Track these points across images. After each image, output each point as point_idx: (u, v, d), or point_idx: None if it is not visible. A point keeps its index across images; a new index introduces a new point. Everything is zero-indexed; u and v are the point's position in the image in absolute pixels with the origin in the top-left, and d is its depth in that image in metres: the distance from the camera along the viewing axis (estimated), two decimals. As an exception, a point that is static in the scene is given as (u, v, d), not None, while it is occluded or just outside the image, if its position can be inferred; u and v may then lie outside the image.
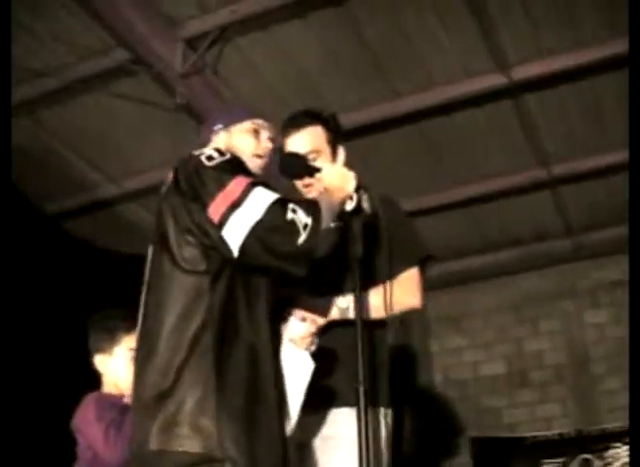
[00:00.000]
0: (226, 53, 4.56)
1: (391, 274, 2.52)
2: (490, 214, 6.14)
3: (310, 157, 2.62)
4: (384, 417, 2.58)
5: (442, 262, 6.78)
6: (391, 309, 2.48)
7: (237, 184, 2.09)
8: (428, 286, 7.45)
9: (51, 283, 4.44)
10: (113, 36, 4.39)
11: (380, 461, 2.50)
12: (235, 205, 2.05)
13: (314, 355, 2.34)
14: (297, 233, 2.04)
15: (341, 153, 2.74)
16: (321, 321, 2.41)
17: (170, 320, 2.08)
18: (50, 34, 4.38)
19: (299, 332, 2.27)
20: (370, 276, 2.52)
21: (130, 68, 4.58)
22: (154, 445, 1.99)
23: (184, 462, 1.96)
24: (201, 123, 4.79)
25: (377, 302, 2.52)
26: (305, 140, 2.65)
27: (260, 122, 2.49)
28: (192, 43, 4.45)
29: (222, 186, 2.08)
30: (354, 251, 2.31)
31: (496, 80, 4.59)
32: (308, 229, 2.06)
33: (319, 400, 2.47)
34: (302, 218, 2.06)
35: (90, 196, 5.48)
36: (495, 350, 6.92)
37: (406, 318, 7.69)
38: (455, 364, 7.09)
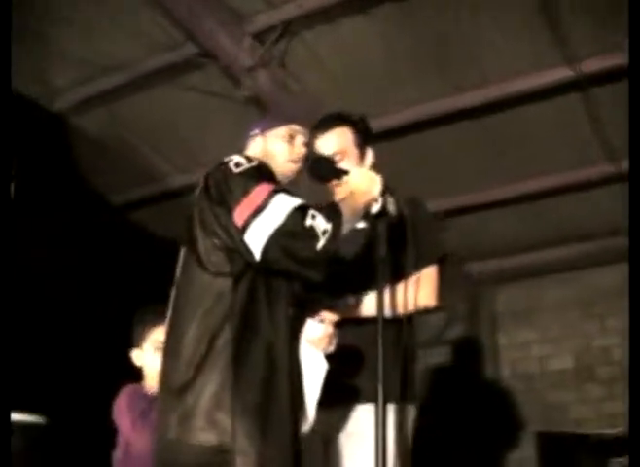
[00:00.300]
0: (292, 46, 4.61)
1: (410, 273, 2.59)
2: (560, 208, 6.07)
3: (336, 158, 2.73)
4: (412, 412, 2.64)
5: (511, 255, 6.77)
6: (408, 308, 2.56)
7: (261, 190, 2.18)
8: (497, 279, 7.36)
9: (117, 275, 4.60)
10: (182, 31, 4.51)
11: (407, 457, 2.56)
12: (258, 211, 2.15)
13: (337, 353, 2.41)
14: (316, 239, 2.13)
15: (369, 155, 2.83)
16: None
17: (194, 317, 2.20)
18: (122, 30, 4.53)
19: (316, 333, 2.34)
20: (392, 275, 2.59)
21: (199, 62, 4.68)
22: (172, 434, 2.11)
23: (198, 454, 2.08)
24: (268, 115, 4.96)
25: (397, 300, 2.59)
26: (332, 141, 2.77)
27: (295, 128, 2.57)
28: (259, 37, 4.52)
29: (246, 192, 2.18)
30: (379, 253, 2.38)
31: (564, 73, 4.53)
32: (327, 234, 2.15)
33: (344, 396, 2.57)
34: (321, 224, 2.15)
35: (159, 186, 5.62)
36: (563, 345, 6.85)
37: (474, 311, 7.64)
38: (523, 358, 7.05)
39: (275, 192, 2.19)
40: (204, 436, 2.07)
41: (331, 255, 2.17)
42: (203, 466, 2.07)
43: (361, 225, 2.67)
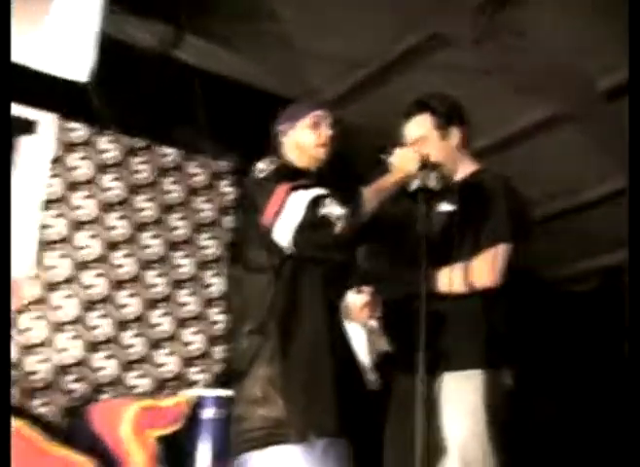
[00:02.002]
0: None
1: (473, 251, 2.66)
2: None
3: (419, 143, 2.83)
4: (502, 379, 2.67)
5: None
6: (471, 286, 2.63)
7: (280, 192, 2.46)
8: None
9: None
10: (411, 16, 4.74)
11: (492, 425, 2.60)
12: (279, 211, 2.43)
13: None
14: (331, 226, 2.37)
15: (455, 134, 2.86)
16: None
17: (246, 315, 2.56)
18: (358, 22, 4.88)
19: (354, 302, 2.53)
20: (457, 250, 2.69)
21: (432, 44, 4.86)
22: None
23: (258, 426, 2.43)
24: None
25: (459, 276, 2.65)
26: (412, 130, 2.89)
27: (319, 113, 2.78)
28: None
29: (269, 196, 2.46)
30: (420, 228, 2.46)
31: None
32: (343, 219, 2.37)
33: (428, 363, 2.66)
34: (334, 211, 2.39)
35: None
36: None
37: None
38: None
39: (292, 189, 2.45)
40: (263, 411, 2.41)
41: (349, 236, 2.39)
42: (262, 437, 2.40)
43: (447, 207, 2.79)
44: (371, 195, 2.50)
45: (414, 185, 2.55)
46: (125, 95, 4.35)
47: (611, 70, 4.82)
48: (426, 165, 2.57)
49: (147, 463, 3.46)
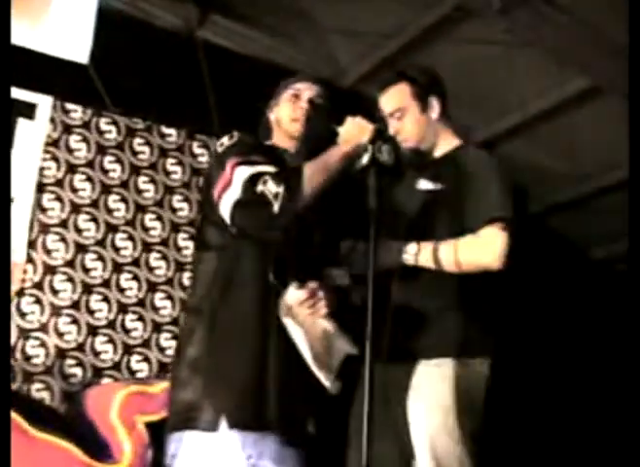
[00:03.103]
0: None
1: (465, 230, 2.49)
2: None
3: (396, 115, 2.66)
4: (473, 367, 2.50)
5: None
6: (461, 266, 2.44)
7: (229, 166, 2.35)
8: None
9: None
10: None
11: (464, 414, 2.45)
12: (226, 186, 2.32)
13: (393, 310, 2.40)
14: (268, 204, 2.23)
15: (435, 105, 2.69)
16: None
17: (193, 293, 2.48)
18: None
19: (292, 299, 2.32)
20: (450, 228, 2.53)
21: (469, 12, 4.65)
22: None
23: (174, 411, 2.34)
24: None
25: (454, 256, 2.46)
26: (390, 100, 2.73)
27: (301, 86, 2.63)
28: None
29: (221, 170, 2.37)
30: (369, 204, 2.26)
31: None
32: (280, 197, 2.22)
33: (402, 354, 2.52)
34: (271, 188, 2.25)
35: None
36: None
37: None
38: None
39: (238, 164, 2.33)
40: (182, 394, 2.31)
41: (287, 215, 2.25)
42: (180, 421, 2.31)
43: (427, 185, 2.64)
44: (313, 171, 2.33)
45: (365, 159, 2.36)
46: (137, 76, 4.32)
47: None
48: (379, 137, 2.38)
49: (135, 449, 3.41)
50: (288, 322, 2.33)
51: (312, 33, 5.05)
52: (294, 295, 2.33)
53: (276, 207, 2.23)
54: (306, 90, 2.63)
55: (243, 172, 2.31)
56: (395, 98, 2.72)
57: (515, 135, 5.42)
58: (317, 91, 2.65)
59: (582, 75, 4.77)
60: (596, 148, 5.36)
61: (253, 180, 2.28)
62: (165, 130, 4.38)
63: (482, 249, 2.47)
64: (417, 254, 2.48)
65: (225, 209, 2.33)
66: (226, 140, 2.47)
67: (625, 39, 4.53)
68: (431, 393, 2.45)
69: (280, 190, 2.24)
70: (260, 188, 2.26)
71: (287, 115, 2.61)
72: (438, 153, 2.73)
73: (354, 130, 2.40)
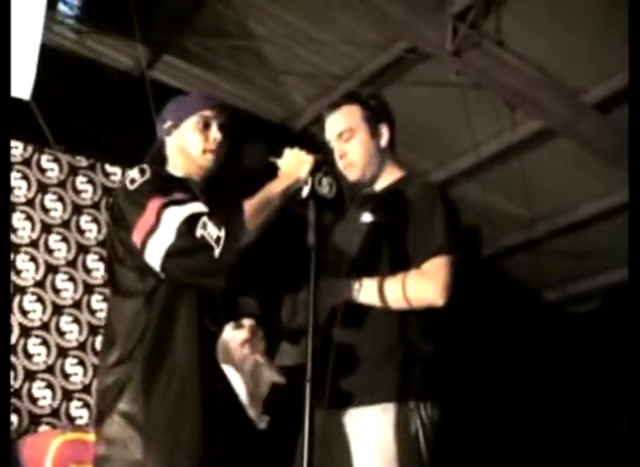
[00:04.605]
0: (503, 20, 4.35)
1: (409, 264, 2.38)
2: None
3: (345, 136, 2.56)
4: (418, 411, 2.39)
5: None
6: (408, 301, 2.33)
7: (152, 208, 2.15)
8: None
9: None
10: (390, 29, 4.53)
11: (409, 461, 2.34)
12: (151, 231, 2.13)
13: (330, 353, 2.29)
14: (209, 249, 2.07)
15: (385, 132, 2.60)
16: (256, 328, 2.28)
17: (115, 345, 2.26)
18: (333, 39, 4.70)
19: (231, 339, 2.21)
20: (394, 264, 2.40)
21: (413, 57, 4.65)
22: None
23: None
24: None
25: (397, 292, 2.36)
26: (339, 120, 2.59)
27: (209, 113, 2.41)
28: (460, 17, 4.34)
29: (140, 211, 2.16)
30: (308, 240, 2.15)
31: None
32: (222, 241, 2.07)
33: (344, 399, 2.40)
34: (212, 232, 2.09)
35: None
36: None
37: None
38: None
39: (165, 206, 2.15)
40: (122, 453, 2.13)
41: (230, 260, 2.11)
42: None
43: (369, 218, 2.54)
44: (254, 208, 2.17)
45: (305, 192, 2.25)
46: (82, 113, 4.24)
47: (601, 81, 4.59)
48: (318, 169, 2.27)
49: (70, 503, 3.25)
50: (226, 368, 2.21)
51: (266, 75, 5.02)
52: (233, 335, 2.23)
53: (218, 252, 2.08)
54: (215, 118, 2.41)
55: (174, 215, 2.13)
56: (345, 118, 2.60)
57: (468, 177, 5.41)
58: (224, 117, 2.45)
59: (534, 117, 4.78)
60: (549, 190, 5.37)
61: (189, 224, 2.12)
62: (109, 169, 4.29)
63: (425, 283, 2.35)
64: (361, 291, 2.40)
65: (153, 256, 2.14)
66: (137, 175, 2.25)
67: (576, 82, 4.62)
68: (374, 440, 2.31)
69: (222, 234, 2.09)
70: (199, 232, 2.09)
71: (197, 145, 2.39)
72: (381, 184, 2.62)
73: (293, 163, 2.29)
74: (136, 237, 2.15)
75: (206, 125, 2.40)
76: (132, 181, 2.23)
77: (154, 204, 2.15)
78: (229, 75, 5.06)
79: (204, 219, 2.11)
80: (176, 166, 2.44)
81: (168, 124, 2.44)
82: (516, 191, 5.35)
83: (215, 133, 2.39)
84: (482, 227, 5.36)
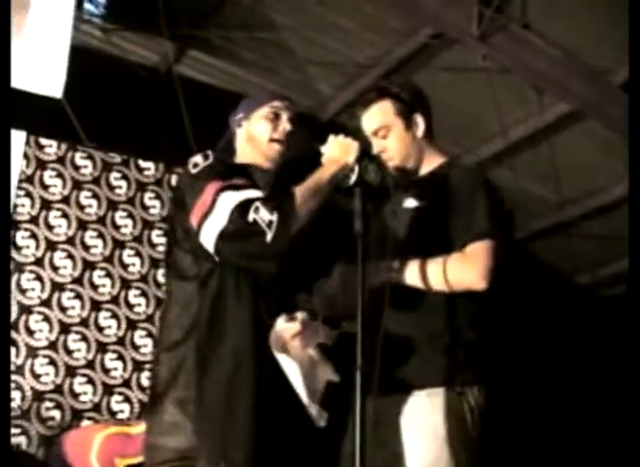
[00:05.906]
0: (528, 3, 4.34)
1: (452, 248, 2.36)
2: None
3: (380, 133, 2.56)
4: (466, 396, 2.40)
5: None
6: (449, 284, 2.32)
7: (209, 191, 2.16)
8: None
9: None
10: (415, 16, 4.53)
11: (459, 445, 2.35)
12: (207, 213, 2.14)
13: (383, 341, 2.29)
14: (262, 234, 2.07)
15: (420, 122, 2.60)
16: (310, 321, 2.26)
17: (172, 327, 2.28)
18: (356, 28, 4.71)
19: (283, 332, 2.19)
20: (437, 248, 2.39)
21: (439, 43, 4.65)
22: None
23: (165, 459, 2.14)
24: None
25: (438, 275, 2.36)
26: (373, 118, 2.58)
27: (279, 104, 2.45)
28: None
29: (199, 193, 2.17)
30: (356, 227, 2.16)
31: None
32: (274, 226, 2.08)
33: (393, 385, 2.41)
34: (264, 216, 2.09)
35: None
36: None
37: None
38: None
39: (222, 189, 2.16)
40: (170, 439, 2.13)
41: (283, 245, 2.10)
42: None
43: (413, 203, 2.55)
44: (305, 195, 2.19)
45: (352, 179, 2.26)
46: (113, 110, 4.27)
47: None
48: (364, 156, 2.29)
49: (115, 493, 3.28)
50: (281, 357, 2.20)
51: (291, 65, 5.03)
52: (286, 327, 2.21)
53: (270, 236, 2.09)
54: (285, 110, 2.47)
55: (229, 199, 2.15)
56: (378, 116, 2.59)
57: (498, 162, 5.39)
58: (294, 111, 2.50)
59: (562, 100, 4.76)
60: (578, 173, 5.35)
61: (242, 208, 2.13)
62: (143, 164, 4.31)
63: (467, 267, 2.35)
64: (404, 271, 2.40)
65: (207, 239, 2.15)
66: (200, 160, 2.27)
67: (602, 63, 4.60)
68: (424, 425, 2.32)
69: (274, 218, 2.09)
70: (252, 216, 2.10)
71: (265, 134, 2.44)
72: (423, 171, 2.61)
73: (339, 149, 2.30)
74: (193, 219, 2.17)
75: (276, 116, 2.44)
76: (195, 165, 2.26)
77: (211, 188, 2.16)
78: (254, 67, 5.08)
79: (257, 203, 2.11)
80: (242, 155, 2.48)
81: (240, 115, 2.49)
82: (546, 174, 5.35)
83: (285, 124, 2.43)
84: (513, 211, 5.35)
